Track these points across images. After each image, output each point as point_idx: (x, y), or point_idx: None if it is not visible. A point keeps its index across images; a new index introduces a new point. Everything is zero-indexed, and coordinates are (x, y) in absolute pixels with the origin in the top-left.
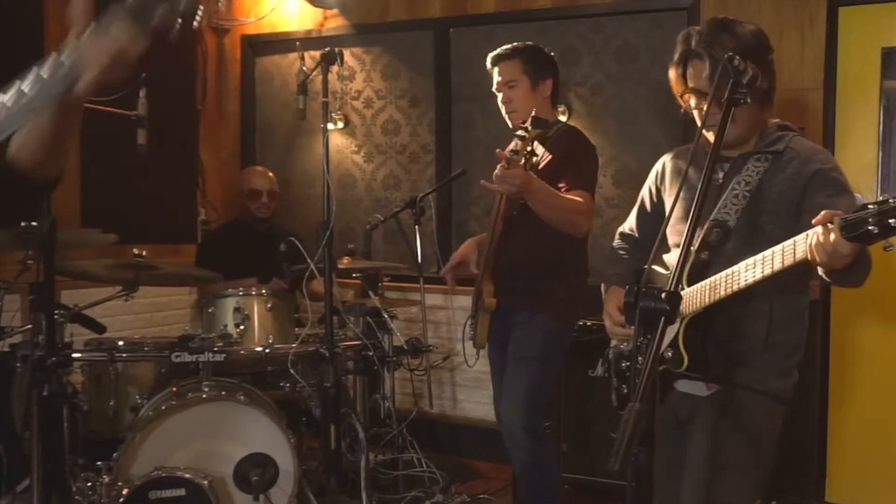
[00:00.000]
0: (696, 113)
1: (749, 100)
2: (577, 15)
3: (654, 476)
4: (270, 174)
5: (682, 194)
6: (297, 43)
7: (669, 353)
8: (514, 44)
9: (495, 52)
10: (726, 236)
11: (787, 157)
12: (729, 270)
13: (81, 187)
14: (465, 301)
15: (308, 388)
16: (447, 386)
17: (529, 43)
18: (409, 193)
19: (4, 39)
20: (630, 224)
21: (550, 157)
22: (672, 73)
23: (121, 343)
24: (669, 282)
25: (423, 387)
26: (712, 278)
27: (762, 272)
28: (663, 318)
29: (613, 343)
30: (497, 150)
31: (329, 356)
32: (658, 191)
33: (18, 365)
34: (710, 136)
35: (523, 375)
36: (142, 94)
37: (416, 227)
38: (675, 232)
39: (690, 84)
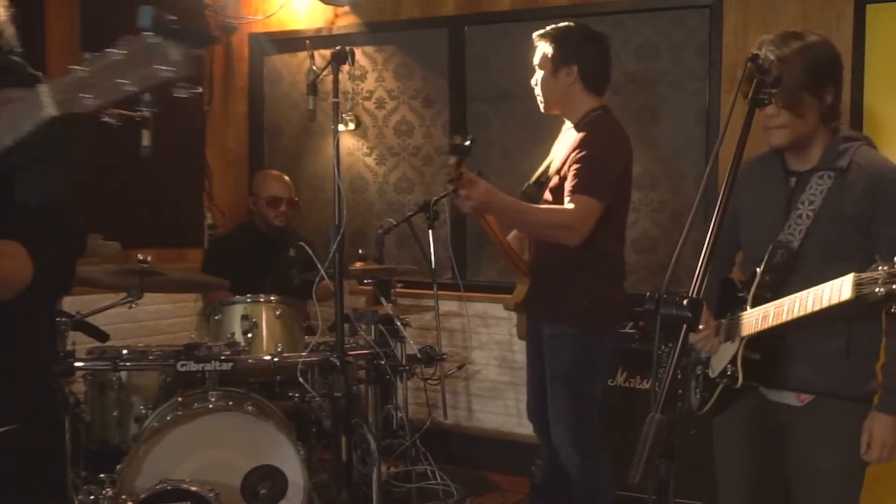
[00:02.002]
0: (763, 115)
1: (774, 100)
2: (595, 13)
3: (724, 480)
4: (287, 179)
5: (754, 212)
6: (307, 41)
7: (729, 371)
8: (558, 24)
9: (538, 31)
10: (791, 258)
11: (854, 174)
12: (779, 301)
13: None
14: (480, 308)
15: (318, 398)
16: (462, 396)
17: (570, 24)
18: (423, 197)
19: None
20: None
21: (571, 151)
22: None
23: (124, 351)
24: (692, 287)
25: (437, 397)
26: (765, 306)
27: (805, 310)
28: (685, 326)
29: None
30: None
31: (340, 365)
32: (728, 199)
33: None
34: (771, 139)
35: (561, 398)
36: (146, 94)
37: (430, 231)
38: (750, 250)
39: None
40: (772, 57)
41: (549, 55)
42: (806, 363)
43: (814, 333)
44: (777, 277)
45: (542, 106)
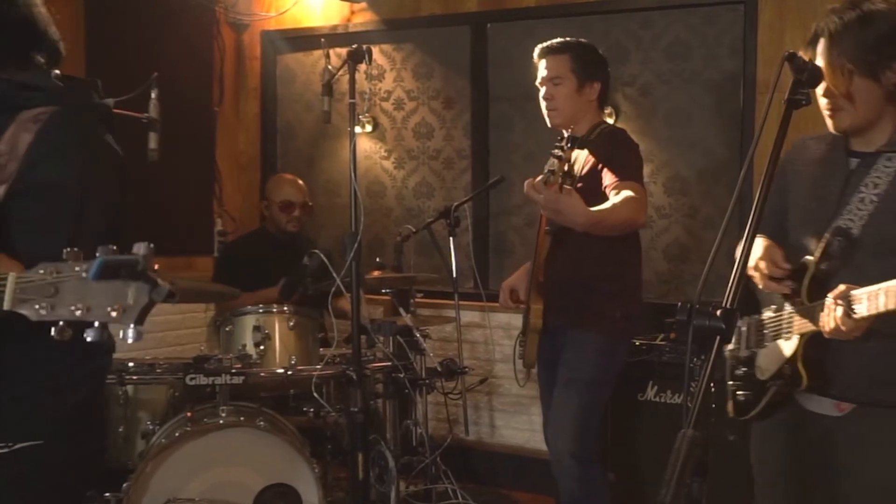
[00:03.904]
0: (819, 97)
1: (810, 101)
2: (624, 9)
3: (764, 494)
4: (301, 183)
5: (805, 194)
6: (322, 39)
7: (787, 371)
8: (567, 38)
9: (544, 45)
10: (851, 246)
11: None
12: (866, 291)
13: None
14: (503, 319)
15: (334, 413)
16: (484, 411)
17: (582, 40)
18: (444, 202)
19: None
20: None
21: (594, 160)
22: (803, 53)
23: (131, 364)
24: (725, 297)
25: (458, 412)
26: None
27: (876, 308)
28: (718, 338)
29: (731, 348)
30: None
31: (357, 379)
32: (783, 181)
33: None
34: (829, 123)
35: (573, 399)
36: (153, 94)
37: (451, 238)
38: (799, 237)
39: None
40: (830, 28)
41: (575, 69)
42: (851, 369)
43: (859, 338)
44: (833, 267)
45: (551, 120)
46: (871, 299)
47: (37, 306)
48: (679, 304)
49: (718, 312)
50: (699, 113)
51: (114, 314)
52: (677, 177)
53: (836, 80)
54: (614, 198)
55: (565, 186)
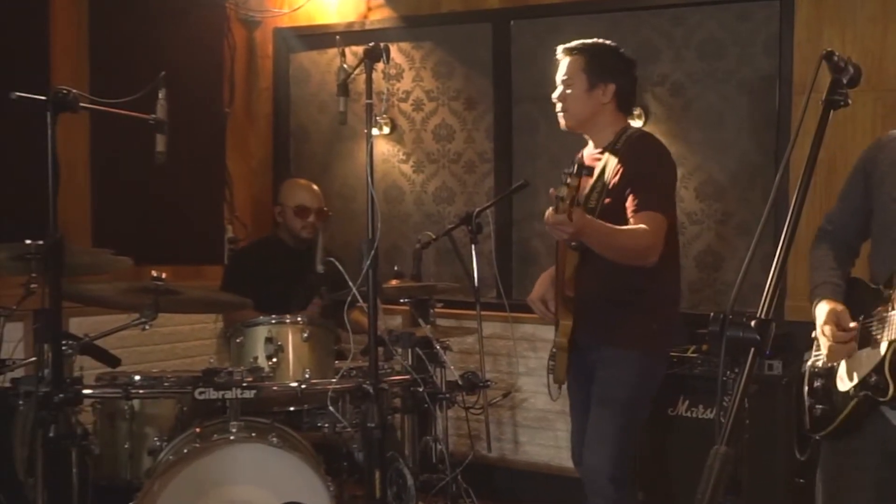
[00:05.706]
0: None
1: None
2: (654, 6)
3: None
4: (316, 188)
5: None
6: (338, 37)
7: (873, 379)
8: (586, 40)
9: (565, 45)
10: None
11: None
12: None
13: (92, 201)
14: (527, 330)
15: (349, 428)
16: (508, 426)
17: (602, 41)
18: (465, 208)
19: (7, 40)
20: (828, 216)
21: (622, 169)
22: None
23: (137, 378)
24: (761, 307)
25: (480, 427)
26: None
27: None
28: (753, 350)
29: (808, 359)
30: (551, 190)
31: (374, 393)
32: (866, 181)
33: (21, 402)
34: None
35: (608, 420)
36: (160, 95)
37: (473, 245)
38: (890, 239)
39: None
40: None
41: (586, 70)
42: None
43: None
44: None
45: (563, 122)
46: None
47: None
48: (711, 314)
49: (753, 323)
50: (733, 114)
51: None
52: (710, 181)
53: None
54: (630, 226)
55: (575, 208)
